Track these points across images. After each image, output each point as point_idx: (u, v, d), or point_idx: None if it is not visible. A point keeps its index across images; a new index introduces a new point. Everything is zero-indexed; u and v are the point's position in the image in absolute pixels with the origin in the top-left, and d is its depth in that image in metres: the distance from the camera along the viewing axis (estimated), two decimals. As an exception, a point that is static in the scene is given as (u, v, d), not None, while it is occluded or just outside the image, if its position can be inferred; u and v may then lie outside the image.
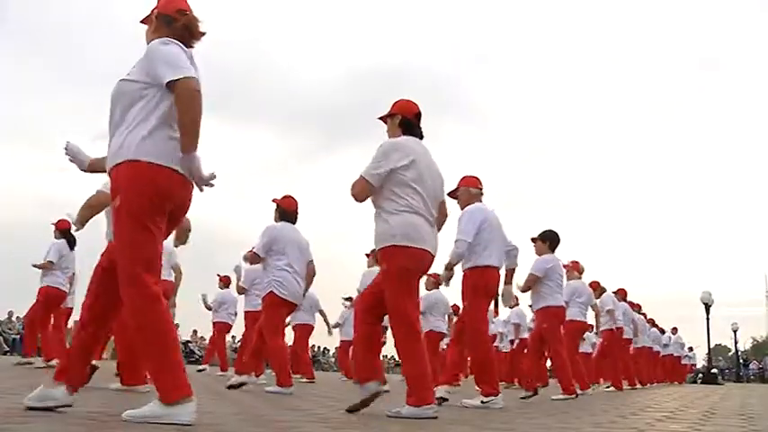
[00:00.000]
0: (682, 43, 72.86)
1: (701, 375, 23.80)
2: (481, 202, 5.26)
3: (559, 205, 77.46)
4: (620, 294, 10.55)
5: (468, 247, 4.96)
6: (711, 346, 27.41)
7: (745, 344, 55.94)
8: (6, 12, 52.21)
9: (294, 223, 6.05)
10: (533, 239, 6.81)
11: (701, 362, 28.65)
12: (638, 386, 10.78)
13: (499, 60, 73.07)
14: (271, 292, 5.81)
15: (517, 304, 10.07)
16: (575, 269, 8.07)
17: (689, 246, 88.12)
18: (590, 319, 9.07)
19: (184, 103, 2.61)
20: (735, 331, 32.15)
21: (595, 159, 76.72)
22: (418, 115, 3.88)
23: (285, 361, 5.83)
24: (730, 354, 37.66)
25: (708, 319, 25.75)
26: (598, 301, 9.52)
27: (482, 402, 4.82)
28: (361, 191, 3.67)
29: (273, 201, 6.11)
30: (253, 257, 6.07)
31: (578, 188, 78.38)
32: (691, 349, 26.89)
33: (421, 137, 3.86)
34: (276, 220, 6.03)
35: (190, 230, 5.30)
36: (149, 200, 2.59)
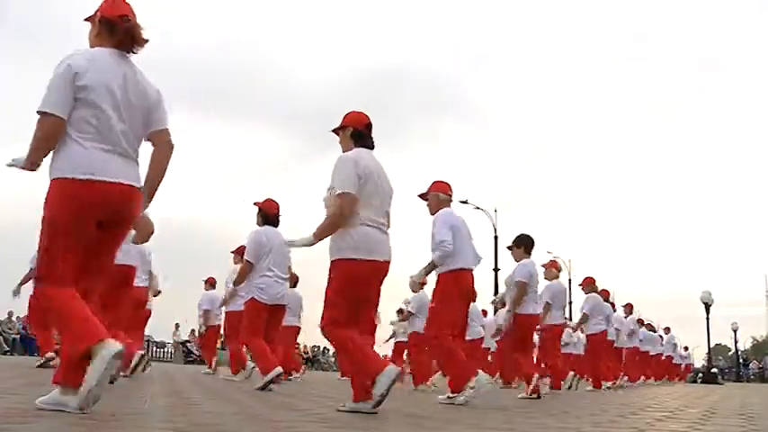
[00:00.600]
0: (682, 43, 72.90)
1: (700, 375, 23.82)
2: (450, 207, 5.38)
3: (559, 205, 77.51)
4: (603, 295, 10.62)
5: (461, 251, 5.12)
6: (711, 346, 27.46)
7: (745, 343, 56.01)
8: (6, 12, 52.20)
9: (276, 226, 6.15)
10: (509, 247, 6.90)
11: (700, 361, 28.68)
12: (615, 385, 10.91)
13: (499, 60, 73.15)
14: (252, 298, 6.04)
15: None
16: (553, 267, 8.15)
17: (689, 246, 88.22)
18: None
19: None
20: (735, 331, 32.20)
21: (595, 159, 76.83)
22: (369, 126, 3.96)
23: (267, 357, 5.95)
24: (730, 353, 37.71)
25: (708, 318, 25.79)
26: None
27: (448, 398, 4.94)
28: (349, 203, 3.68)
29: (255, 204, 6.20)
30: (247, 266, 6.13)
31: (578, 188, 78.48)
32: (686, 349, 27.02)
33: (372, 147, 3.93)
34: (259, 224, 6.14)
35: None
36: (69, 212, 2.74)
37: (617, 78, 75.89)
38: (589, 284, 9.80)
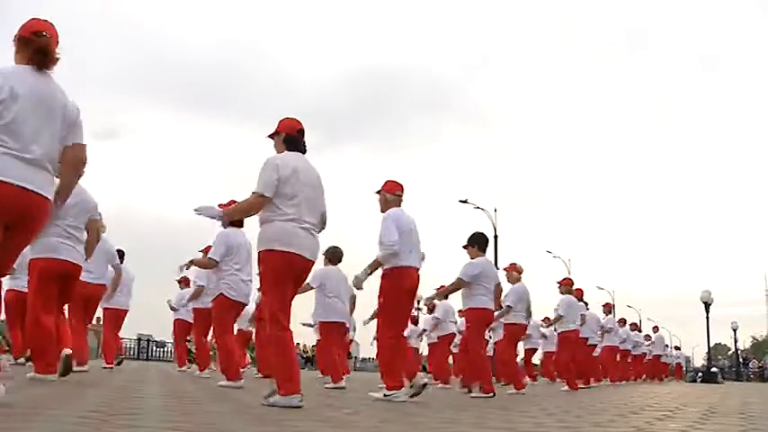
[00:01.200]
0: (682, 42, 72.89)
1: (700, 374, 23.84)
2: (399, 207, 5.49)
3: (559, 205, 77.53)
4: (577, 294, 10.86)
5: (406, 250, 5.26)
6: (711, 346, 27.46)
7: (744, 343, 56.04)
8: (6, 11, 52.14)
9: (241, 227, 6.37)
10: (464, 246, 7.00)
11: (700, 361, 28.75)
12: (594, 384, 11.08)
13: (499, 60, 73.14)
14: (221, 294, 6.24)
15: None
16: (513, 270, 8.31)
17: (689, 245, 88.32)
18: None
19: None
20: (735, 330, 32.21)
21: (596, 159, 76.86)
22: (301, 131, 4.24)
23: (233, 358, 6.29)
24: (730, 353, 37.72)
25: (708, 318, 25.80)
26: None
27: (384, 396, 5.08)
28: (259, 204, 3.96)
29: (220, 206, 6.30)
30: (209, 264, 6.39)
31: (578, 188, 78.53)
32: (677, 348, 27.21)
33: (304, 151, 4.20)
34: (224, 226, 6.31)
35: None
36: None
37: (617, 78, 75.98)
38: (566, 285, 9.96)
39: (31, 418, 2.49)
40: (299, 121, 4.27)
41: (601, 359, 12.46)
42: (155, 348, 25.11)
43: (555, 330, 10.76)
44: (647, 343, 17.97)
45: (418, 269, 5.41)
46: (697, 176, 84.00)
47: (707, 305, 25.67)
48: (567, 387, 9.41)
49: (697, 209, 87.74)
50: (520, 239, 71.37)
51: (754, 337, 65.04)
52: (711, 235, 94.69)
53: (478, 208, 25.59)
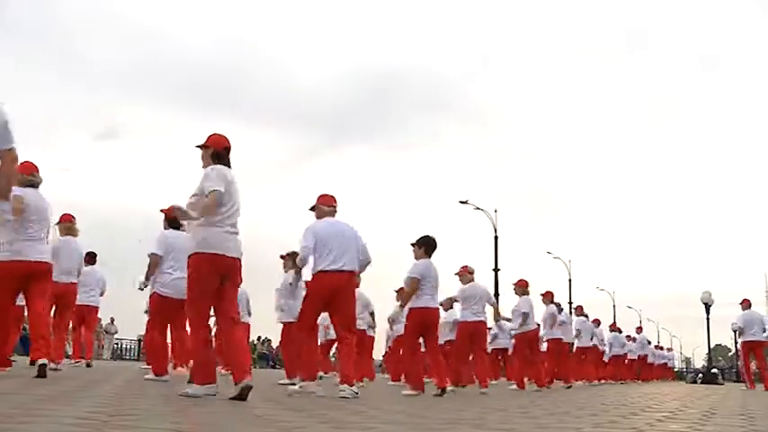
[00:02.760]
0: (682, 42, 72.91)
1: (701, 375, 23.82)
2: (331, 217, 5.92)
3: (559, 205, 77.54)
4: (547, 297, 11.23)
5: (315, 254, 5.69)
6: (711, 346, 27.46)
7: (745, 343, 55.82)
8: (6, 12, 52.21)
9: (178, 229, 6.71)
10: (412, 245, 7.22)
11: (701, 362, 28.79)
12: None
13: (500, 60, 73.14)
14: (155, 292, 6.74)
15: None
16: (465, 272, 8.60)
17: (689, 245, 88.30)
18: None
19: None
20: (735, 331, 32.15)
21: (596, 159, 76.87)
22: (228, 149, 4.64)
23: (159, 352, 6.90)
24: (730, 354, 37.67)
25: (708, 318, 25.79)
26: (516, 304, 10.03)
27: (300, 387, 5.63)
28: (216, 203, 4.33)
29: (161, 210, 6.93)
30: (154, 258, 6.74)
31: (578, 188, 78.54)
32: (669, 350, 27.30)
33: (229, 166, 4.58)
34: (165, 228, 6.88)
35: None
36: None
37: (617, 78, 75.98)
38: (522, 287, 10.08)
39: (31, 419, 2.49)
40: (226, 138, 4.66)
41: (548, 352, 12.38)
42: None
43: (512, 331, 11.05)
44: (633, 345, 18.29)
45: (346, 272, 5.67)
46: (697, 176, 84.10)
47: (707, 306, 25.66)
48: (516, 386, 9.63)
49: (697, 209, 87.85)
50: (520, 240, 71.53)
51: (754, 338, 64.94)
52: (711, 235, 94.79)
53: (478, 209, 25.59)
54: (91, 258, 9.28)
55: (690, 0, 75.93)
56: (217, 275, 4.36)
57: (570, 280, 34.79)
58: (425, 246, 7.11)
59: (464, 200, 25.71)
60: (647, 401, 6.55)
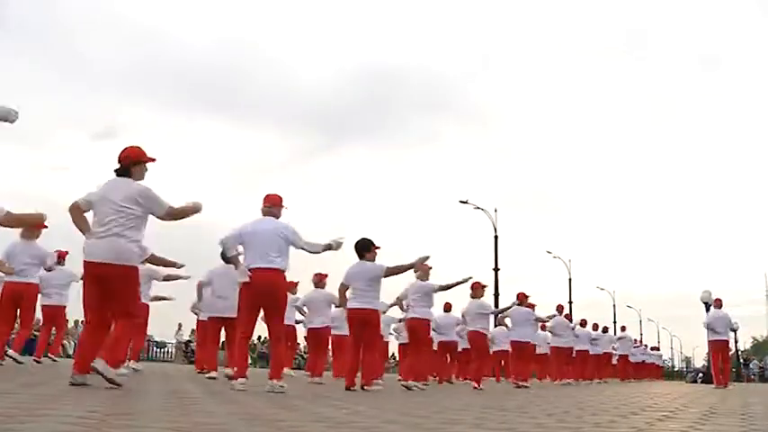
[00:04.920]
0: (682, 42, 72.88)
1: (701, 375, 23.83)
2: (268, 216, 6.03)
3: (559, 205, 77.53)
4: (519, 299, 11.48)
5: (245, 252, 5.95)
6: (712, 346, 27.38)
7: (745, 343, 55.98)
8: (6, 12, 52.24)
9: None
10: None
11: (701, 362, 28.85)
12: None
13: (500, 60, 73.02)
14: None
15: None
16: (421, 270, 8.74)
17: (689, 245, 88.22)
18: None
19: None
20: (735, 331, 32.15)
21: (596, 159, 76.74)
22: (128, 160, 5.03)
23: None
24: (731, 354, 37.67)
25: (708, 319, 25.74)
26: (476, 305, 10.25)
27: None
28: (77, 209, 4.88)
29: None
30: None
31: (578, 188, 78.39)
32: (652, 348, 27.46)
33: (128, 176, 4.96)
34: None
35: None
36: None
37: (617, 78, 75.88)
38: (476, 289, 10.20)
39: (31, 418, 2.49)
40: (139, 151, 5.05)
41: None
42: (155, 349, 25.08)
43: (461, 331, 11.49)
44: (616, 344, 18.59)
45: (269, 269, 5.76)
46: (697, 176, 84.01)
47: (707, 305, 25.61)
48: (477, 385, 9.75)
49: (697, 209, 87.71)
50: (520, 240, 71.44)
51: (754, 338, 65.03)
52: (711, 235, 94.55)
53: (478, 208, 25.62)
54: (62, 258, 9.32)
55: (690, 0, 75.85)
56: (90, 281, 4.90)
57: (570, 279, 34.84)
58: (358, 248, 7.31)
59: (464, 200, 25.76)
60: (646, 401, 6.55)
